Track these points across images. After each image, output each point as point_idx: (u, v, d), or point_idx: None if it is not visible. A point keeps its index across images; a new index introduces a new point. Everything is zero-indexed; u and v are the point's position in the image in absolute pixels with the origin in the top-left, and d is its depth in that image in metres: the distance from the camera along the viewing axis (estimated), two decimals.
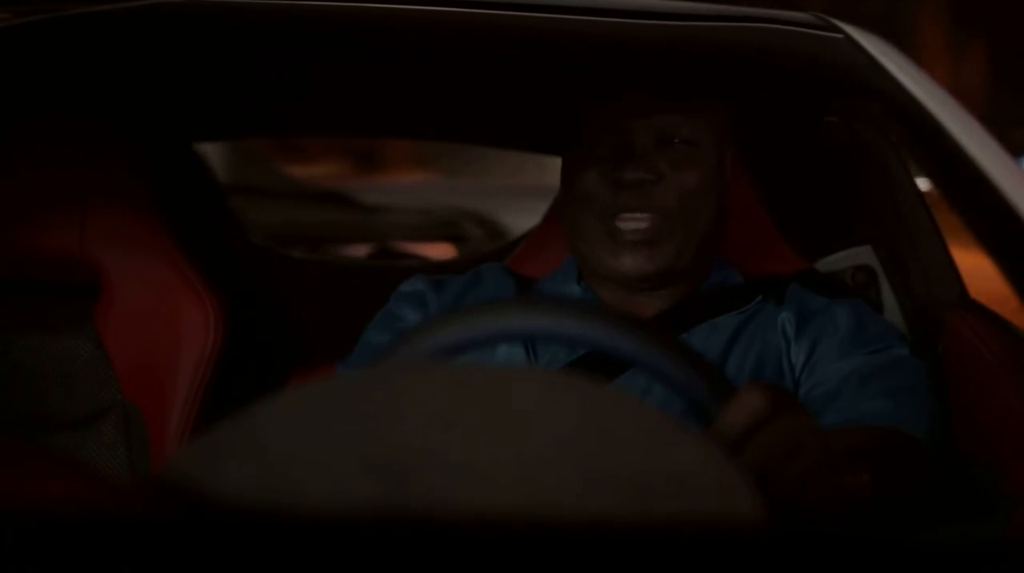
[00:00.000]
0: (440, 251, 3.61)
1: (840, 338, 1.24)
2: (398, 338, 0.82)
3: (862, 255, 1.53)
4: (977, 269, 1.40)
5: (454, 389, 0.58)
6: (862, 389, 1.18)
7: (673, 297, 1.29)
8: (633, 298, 1.29)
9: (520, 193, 3.79)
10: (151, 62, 1.43)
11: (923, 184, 1.45)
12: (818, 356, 1.24)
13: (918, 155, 0.99)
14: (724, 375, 0.81)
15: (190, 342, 1.51)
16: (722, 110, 1.29)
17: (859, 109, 1.31)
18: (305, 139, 3.90)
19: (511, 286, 1.36)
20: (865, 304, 1.33)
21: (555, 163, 1.35)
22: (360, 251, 3.55)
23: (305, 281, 1.80)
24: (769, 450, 0.75)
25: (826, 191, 1.59)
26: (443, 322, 0.79)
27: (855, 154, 1.51)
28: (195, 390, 1.50)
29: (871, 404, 1.16)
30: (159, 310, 1.52)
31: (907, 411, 1.15)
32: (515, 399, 0.57)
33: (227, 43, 1.22)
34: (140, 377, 1.52)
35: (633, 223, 1.22)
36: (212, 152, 2.19)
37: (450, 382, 0.59)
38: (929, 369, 1.23)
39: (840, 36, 1.07)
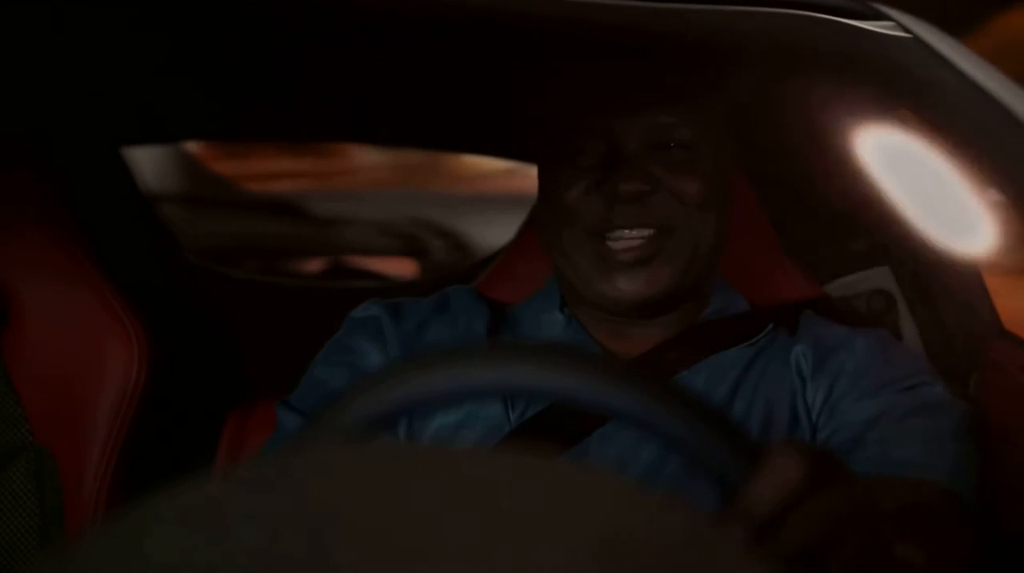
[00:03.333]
0: (399, 267, 3.49)
1: (863, 374, 1.13)
2: (354, 387, 0.68)
3: (879, 277, 1.45)
4: None
5: (414, 483, 0.45)
6: (891, 434, 1.07)
7: (670, 327, 1.18)
8: (624, 328, 1.17)
9: None
10: (73, 45, 1.34)
11: None
12: (838, 396, 1.13)
13: (993, 162, 0.87)
14: (748, 434, 0.69)
15: (111, 378, 1.39)
16: (724, 106, 1.18)
17: (885, 108, 1.20)
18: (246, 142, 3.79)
19: (483, 313, 1.23)
20: (890, 335, 1.24)
21: None
22: (311, 267, 3.44)
23: (247, 305, 1.71)
24: (813, 531, 0.65)
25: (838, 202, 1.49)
26: (417, 368, 0.66)
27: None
28: (115, 433, 1.39)
29: (902, 452, 1.05)
30: (75, 340, 1.41)
31: (946, 461, 1.05)
32: (500, 502, 0.43)
33: (162, 25, 1.14)
34: (53, 417, 1.40)
35: (627, 242, 1.11)
36: (140, 157, 2.07)
37: (408, 471, 0.46)
38: (969, 410, 1.13)
39: (889, 23, 0.95)
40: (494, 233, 2.35)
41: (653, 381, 0.68)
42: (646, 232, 1.11)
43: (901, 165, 1.28)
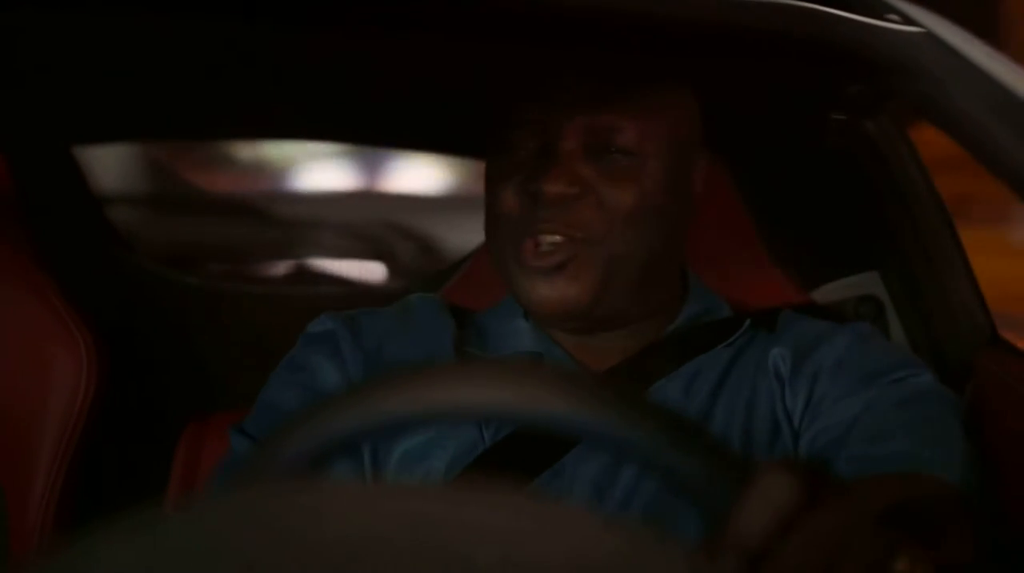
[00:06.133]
0: (366, 271, 3.46)
1: (845, 371, 1.10)
2: (310, 411, 0.65)
3: (867, 283, 1.42)
4: None
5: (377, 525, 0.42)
6: (878, 429, 1.04)
7: (637, 335, 1.14)
8: (587, 337, 1.13)
9: None
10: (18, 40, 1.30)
11: None
12: (819, 397, 1.10)
13: (1008, 157, 0.84)
14: (735, 452, 0.67)
15: (58, 391, 1.35)
16: (692, 112, 1.14)
17: (880, 104, 1.18)
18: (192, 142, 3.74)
19: (448, 324, 1.19)
20: (871, 327, 1.21)
21: None
22: (274, 272, 3.39)
23: (204, 312, 1.68)
24: (811, 556, 0.63)
25: (826, 204, 1.47)
26: (376, 391, 0.63)
27: (865, 159, 1.39)
28: (63, 449, 1.35)
29: (890, 445, 1.02)
30: (20, 351, 1.36)
31: (938, 450, 1.02)
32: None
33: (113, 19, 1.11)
34: None
35: (543, 247, 1.06)
36: (94, 157, 2.02)
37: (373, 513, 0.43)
38: (959, 401, 1.11)
39: (898, 16, 0.92)
40: (465, 236, 2.32)
41: (629, 400, 0.65)
42: (558, 239, 1.05)
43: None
